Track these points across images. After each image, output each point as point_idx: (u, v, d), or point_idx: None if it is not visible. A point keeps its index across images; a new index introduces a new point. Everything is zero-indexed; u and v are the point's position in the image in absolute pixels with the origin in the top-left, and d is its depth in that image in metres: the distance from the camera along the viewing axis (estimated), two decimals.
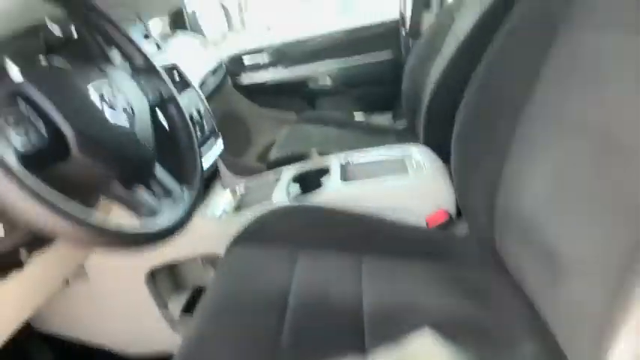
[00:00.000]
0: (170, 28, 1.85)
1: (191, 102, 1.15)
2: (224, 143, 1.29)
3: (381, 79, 1.90)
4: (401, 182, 1.02)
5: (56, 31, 0.87)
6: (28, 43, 0.89)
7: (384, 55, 1.88)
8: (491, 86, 0.79)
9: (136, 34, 1.13)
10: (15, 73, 0.79)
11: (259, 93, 1.98)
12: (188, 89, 1.18)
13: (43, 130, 0.50)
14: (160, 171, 0.67)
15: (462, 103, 0.87)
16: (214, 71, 1.74)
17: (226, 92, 1.88)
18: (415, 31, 1.74)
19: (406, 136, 1.64)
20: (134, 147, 0.61)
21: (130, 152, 0.61)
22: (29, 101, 0.50)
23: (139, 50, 0.75)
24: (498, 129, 0.74)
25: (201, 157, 0.75)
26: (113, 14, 1.08)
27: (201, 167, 0.74)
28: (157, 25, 1.83)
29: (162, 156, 0.70)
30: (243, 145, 2.01)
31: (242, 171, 1.92)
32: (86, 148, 0.53)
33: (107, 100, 0.60)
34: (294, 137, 1.59)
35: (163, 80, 0.78)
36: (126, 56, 0.75)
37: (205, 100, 1.24)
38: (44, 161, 0.50)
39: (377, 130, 1.72)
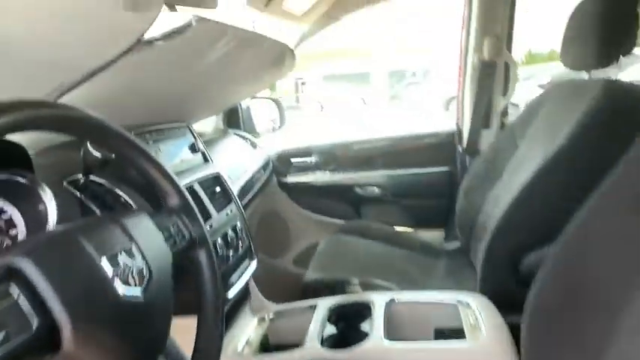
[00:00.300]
0: (224, 124, 1.87)
1: (229, 218, 1.09)
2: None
3: (433, 193, 1.79)
4: (455, 347, 0.86)
5: (94, 151, 0.84)
6: (67, 156, 0.86)
7: (437, 169, 1.79)
8: (581, 264, 0.65)
9: (183, 146, 1.10)
10: (49, 198, 0.75)
11: (304, 194, 1.92)
12: (229, 205, 1.12)
13: (33, 320, 0.41)
14: (171, 344, 0.57)
15: (542, 267, 0.72)
16: (262, 168, 1.71)
17: (270, 190, 1.83)
18: (473, 149, 1.65)
19: (458, 260, 1.50)
20: (145, 325, 0.52)
21: (138, 333, 0.51)
22: (24, 283, 0.42)
23: (176, 186, 0.69)
24: (589, 328, 0.59)
25: (223, 326, 0.65)
26: (163, 126, 1.08)
27: (221, 342, 0.63)
28: (211, 120, 1.86)
29: (178, 304, 0.61)
30: (281, 247, 1.91)
31: (275, 275, 1.82)
32: (83, 341, 0.44)
33: (121, 265, 0.51)
34: (335, 252, 1.47)
35: (197, 220, 0.71)
36: (160, 193, 0.68)
37: (245, 216, 1.17)
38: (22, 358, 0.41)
39: (426, 249, 1.58)
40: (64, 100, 0.76)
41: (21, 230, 0.75)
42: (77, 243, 0.50)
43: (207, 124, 1.80)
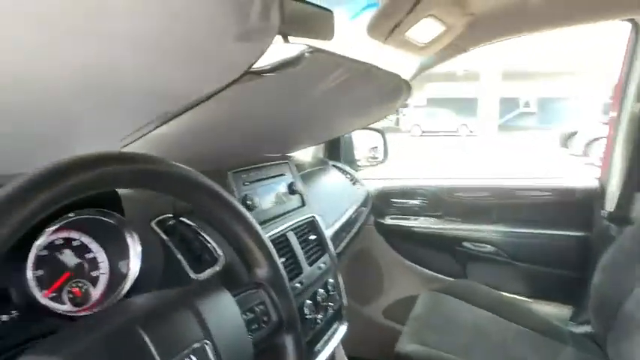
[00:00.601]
0: (324, 154, 1.77)
1: (322, 273, 0.96)
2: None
3: (561, 261, 1.49)
4: None
5: None
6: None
7: (569, 233, 1.49)
8: None
9: (280, 186, 1.00)
10: (134, 244, 0.69)
11: (402, 240, 1.73)
12: (322, 257, 0.99)
13: None
14: None
15: None
16: (361, 206, 1.57)
17: (366, 229, 1.67)
18: (621, 215, 1.34)
19: (590, 351, 1.20)
20: None
21: None
22: None
23: (268, 256, 0.58)
24: None
25: None
26: (262, 164, 1.01)
27: None
28: (309, 149, 1.77)
29: None
30: (371, 294, 1.74)
31: (362, 325, 1.65)
32: None
33: None
34: (435, 317, 1.27)
35: (288, 297, 0.58)
36: (249, 260, 0.58)
37: (338, 271, 1.03)
38: None
39: (547, 328, 1.30)
40: (168, 126, 0.71)
41: (103, 273, 0.70)
42: (137, 339, 0.40)
43: (305, 152, 1.72)
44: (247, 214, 0.55)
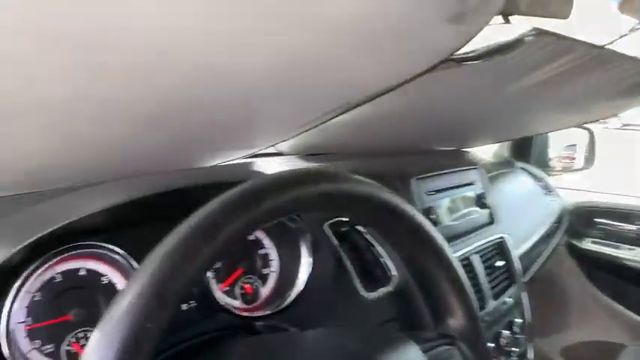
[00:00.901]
0: (509, 154, 1.51)
1: (508, 309, 0.79)
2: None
3: None
4: None
5: None
6: None
7: None
8: None
9: (468, 197, 0.85)
10: (306, 252, 0.64)
11: (604, 271, 1.38)
12: (510, 289, 0.81)
13: None
14: None
15: None
16: (555, 221, 1.30)
17: (557, 251, 1.38)
18: None
19: None
20: None
21: None
22: None
23: (468, 307, 0.45)
24: None
25: None
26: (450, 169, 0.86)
27: None
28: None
29: None
30: (550, 325, 1.45)
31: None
32: None
33: None
34: None
35: (487, 358, 0.45)
36: (442, 308, 0.46)
37: (528, 305, 0.84)
38: None
39: None
40: (344, 115, 0.64)
41: (273, 271, 0.67)
42: None
43: (482, 148, 1.49)
44: (450, 253, 0.43)
